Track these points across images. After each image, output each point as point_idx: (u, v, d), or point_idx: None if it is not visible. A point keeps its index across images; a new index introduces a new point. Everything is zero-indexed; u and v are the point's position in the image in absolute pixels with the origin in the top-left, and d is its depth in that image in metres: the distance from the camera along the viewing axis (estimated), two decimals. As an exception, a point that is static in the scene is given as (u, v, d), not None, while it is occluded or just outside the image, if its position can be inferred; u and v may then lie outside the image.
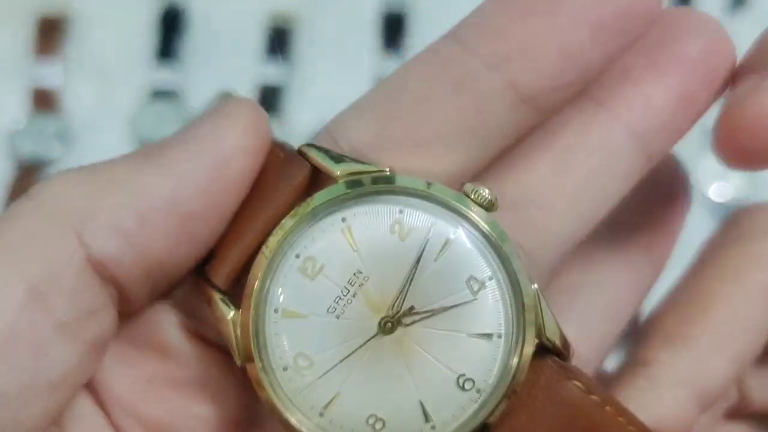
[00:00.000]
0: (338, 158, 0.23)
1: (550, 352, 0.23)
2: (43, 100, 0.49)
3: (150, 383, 0.24)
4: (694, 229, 0.30)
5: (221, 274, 0.23)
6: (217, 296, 0.23)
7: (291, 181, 0.23)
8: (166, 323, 0.24)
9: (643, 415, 0.24)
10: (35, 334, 0.22)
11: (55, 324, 0.22)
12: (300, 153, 0.24)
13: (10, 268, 0.22)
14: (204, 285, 0.24)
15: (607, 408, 0.23)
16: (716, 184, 0.44)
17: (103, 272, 0.23)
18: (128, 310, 0.24)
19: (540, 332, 0.23)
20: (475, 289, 0.23)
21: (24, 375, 0.22)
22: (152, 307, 0.25)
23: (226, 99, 0.24)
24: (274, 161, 0.24)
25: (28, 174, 0.49)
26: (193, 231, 0.23)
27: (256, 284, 0.23)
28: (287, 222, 0.23)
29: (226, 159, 0.23)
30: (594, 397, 0.23)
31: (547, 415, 0.23)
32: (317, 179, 0.24)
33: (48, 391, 0.22)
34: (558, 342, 0.23)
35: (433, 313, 0.23)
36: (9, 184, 0.48)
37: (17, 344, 0.21)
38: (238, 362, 0.23)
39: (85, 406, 0.24)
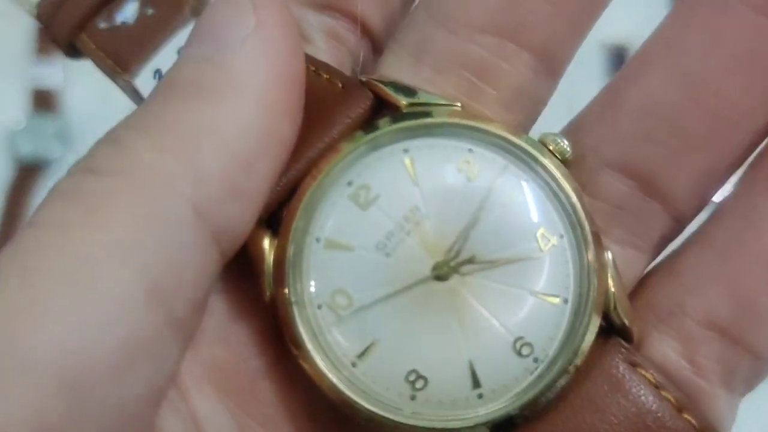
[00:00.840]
0: (407, 90, 0.21)
1: (615, 331, 0.20)
2: (43, 100, 0.48)
3: None
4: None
5: None
6: None
7: (350, 113, 0.20)
8: None
9: None
10: (156, 339, 0.17)
11: (173, 324, 0.17)
12: (363, 83, 0.21)
13: (128, 266, 0.17)
14: None
15: (685, 416, 0.20)
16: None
17: (223, 247, 0.18)
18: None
19: (609, 305, 0.20)
20: (545, 244, 0.20)
21: (141, 387, 0.17)
22: None
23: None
24: (331, 92, 0.21)
25: (28, 174, 0.48)
26: (283, 161, 0.19)
27: (300, 208, 0.20)
28: (343, 146, 0.20)
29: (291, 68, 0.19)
30: (667, 395, 0.20)
31: (607, 408, 0.20)
32: (381, 114, 0.21)
33: (156, 399, 0.18)
34: (626, 320, 0.20)
35: (495, 264, 0.20)
36: (9, 183, 0.47)
37: (140, 354, 0.17)
38: (267, 293, 0.20)
39: None
